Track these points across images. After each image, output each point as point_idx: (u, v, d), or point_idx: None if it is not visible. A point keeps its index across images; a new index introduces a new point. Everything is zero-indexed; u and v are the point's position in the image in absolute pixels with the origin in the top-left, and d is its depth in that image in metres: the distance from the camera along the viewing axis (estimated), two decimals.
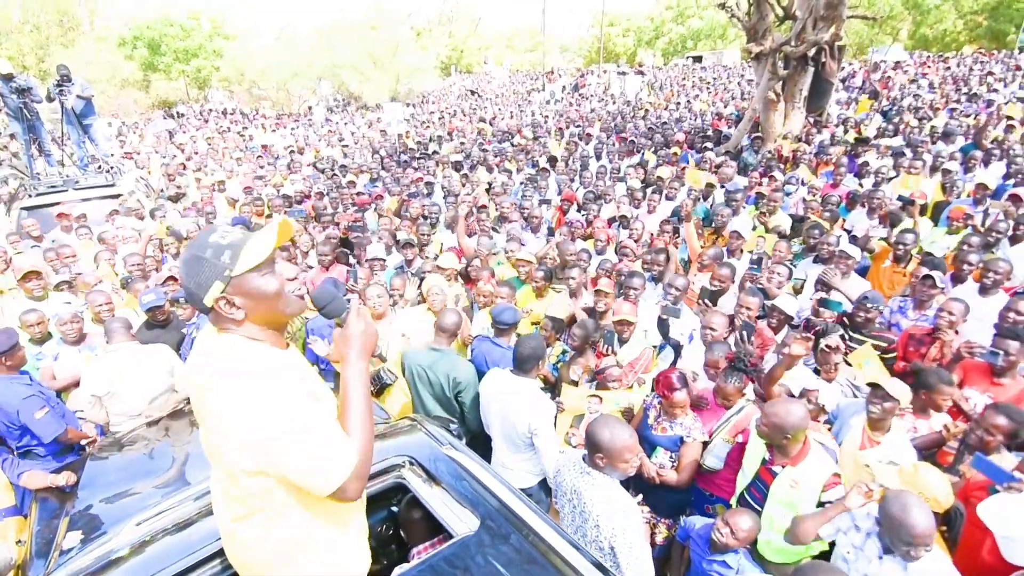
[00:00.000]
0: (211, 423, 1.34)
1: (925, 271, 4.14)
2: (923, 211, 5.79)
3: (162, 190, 10.25)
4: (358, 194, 8.65)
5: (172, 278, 4.67)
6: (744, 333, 3.45)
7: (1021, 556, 2.05)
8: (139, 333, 4.11)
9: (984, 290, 4.11)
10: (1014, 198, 5.55)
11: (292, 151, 13.56)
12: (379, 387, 3.56)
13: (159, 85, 31.59)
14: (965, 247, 4.69)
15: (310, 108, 24.57)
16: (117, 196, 8.60)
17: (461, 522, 1.83)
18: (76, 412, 3.59)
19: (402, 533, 2.40)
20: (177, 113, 26.61)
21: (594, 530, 2.19)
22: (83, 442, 3.44)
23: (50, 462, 3.26)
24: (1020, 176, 6.70)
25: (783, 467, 2.54)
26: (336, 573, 1.48)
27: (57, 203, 7.48)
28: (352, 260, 5.79)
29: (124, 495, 2.43)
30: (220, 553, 1.74)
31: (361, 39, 28.05)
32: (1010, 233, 4.91)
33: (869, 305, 3.80)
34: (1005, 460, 2.56)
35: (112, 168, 9.40)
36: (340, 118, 22.93)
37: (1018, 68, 16.62)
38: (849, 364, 3.66)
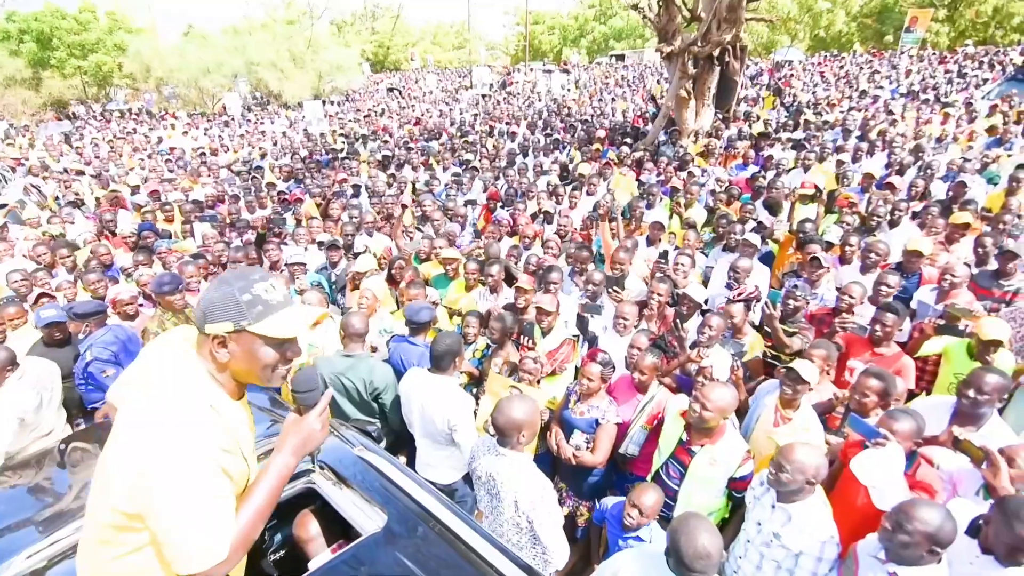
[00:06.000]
0: (118, 455, 1.28)
1: (813, 253, 4.53)
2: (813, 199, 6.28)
3: (57, 197, 9.45)
4: (279, 193, 8.35)
5: (46, 295, 4.39)
6: (678, 322, 3.67)
7: (886, 502, 2.30)
8: (32, 351, 3.80)
9: (865, 268, 4.56)
10: (888, 186, 6.15)
11: (202, 152, 12.85)
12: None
13: (52, 83, 28.89)
14: (845, 227, 5.16)
15: (224, 107, 23.30)
16: (2, 206, 7.87)
17: (370, 520, 1.85)
18: None
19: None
20: (72, 114, 24.47)
21: (511, 508, 2.27)
22: None
23: None
24: (899, 165, 7.43)
25: (702, 446, 2.72)
26: None
27: None
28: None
29: (12, 528, 2.25)
30: None
31: (276, 36, 26.92)
32: (889, 218, 5.45)
33: (799, 295, 3.96)
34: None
35: None
36: (258, 117, 21.93)
37: (895, 68, 18.37)
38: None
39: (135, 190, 8.93)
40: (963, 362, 3.39)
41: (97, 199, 8.40)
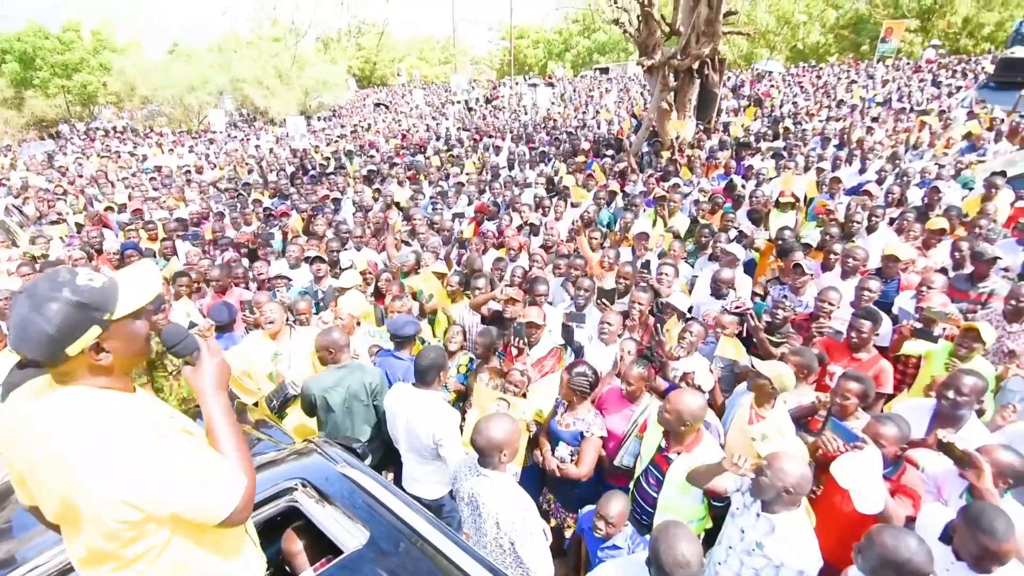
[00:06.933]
0: (71, 490, 1.24)
1: (795, 260, 4.60)
2: (793, 207, 6.39)
3: (39, 218, 9.36)
4: (265, 209, 8.33)
5: None
6: (658, 327, 3.70)
7: (867, 506, 2.33)
8: (11, 374, 3.74)
9: (845, 274, 4.65)
10: (866, 193, 6.28)
11: (187, 170, 12.82)
12: (282, 400, 3.47)
13: (34, 102, 28.67)
14: (828, 238, 5.26)
15: (209, 123, 23.28)
16: None
17: (352, 537, 1.84)
18: None
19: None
20: (56, 133, 24.29)
21: (494, 529, 2.26)
22: None
23: None
24: (880, 173, 7.56)
25: (678, 454, 2.73)
26: None
27: None
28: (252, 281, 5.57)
29: None
30: None
31: (262, 53, 27.01)
32: (866, 224, 5.56)
33: (787, 305, 4.07)
34: (860, 423, 2.91)
35: None
36: (244, 133, 21.92)
37: (871, 78, 18.89)
38: None
39: (121, 208, 8.88)
40: (943, 366, 3.45)
41: (78, 224, 8.31)
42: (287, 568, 2.10)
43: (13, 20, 29.52)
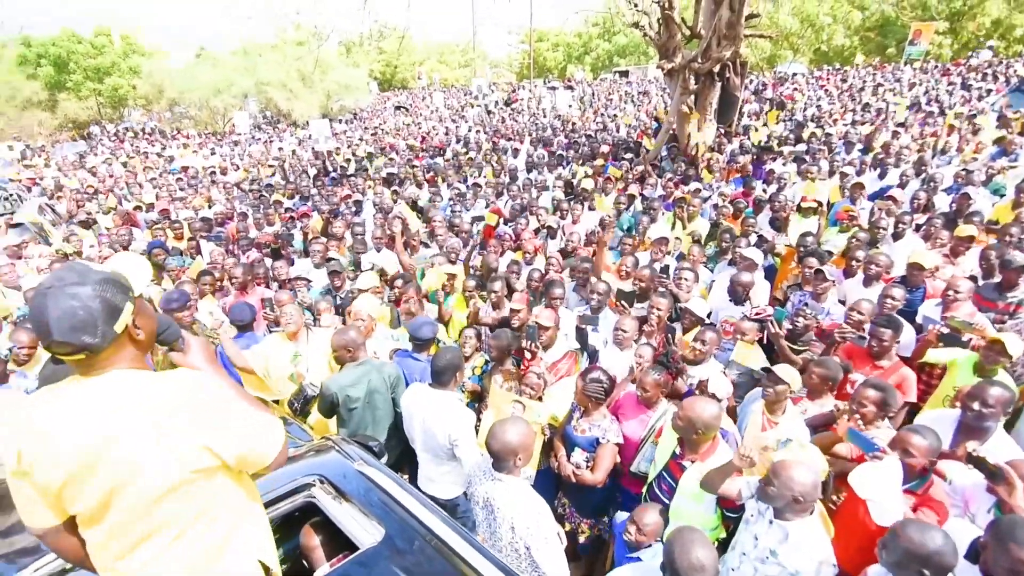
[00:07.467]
0: (133, 463, 1.27)
1: (816, 265, 4.52)
2: (815, 212, 6.29)
3: (71, 216, 9.66)
4: (287, 210, 8.48)
5: None
6: (669, 336, 3.66)
7: (885, 518, 2.28)
8: (45, 368, 3.86)
9: (867, 281, 4.55)
10: (890, 198, 6.16)
11: (212, 171, 13.10)
12: (304, 401, 3.53)
13: (67, 105, 29.63)
14: (853, 243, 5.17)
15: (234, 125, 23.77)
16: (17, 225, 8.08)
17: (368, 533, 1.87)
18: None
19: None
20: (88, 134, 25.05)
21: (509, 533, 2.27)
22: None
23: None
24: (901, 178, 7.42)
25: (692, 462, 2.71)
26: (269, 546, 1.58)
27: None
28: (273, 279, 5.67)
29: None
30: None
31: (286, 56, 27.55)
32: (892, 231, 5.44)
33: (809, 313, 3.99)
34: (882, 432, 2.86)
35: (11, 195, 8.78)
36: (268, 136, 22.34)
37: (898, 81, 18.53)
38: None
39: (149, 208, 9.13)
40: (967, 377, 3.37)
41: (107, 228, 8.56)
42: (304, 563, 2.13)
43: (48, 26, 30.57)
